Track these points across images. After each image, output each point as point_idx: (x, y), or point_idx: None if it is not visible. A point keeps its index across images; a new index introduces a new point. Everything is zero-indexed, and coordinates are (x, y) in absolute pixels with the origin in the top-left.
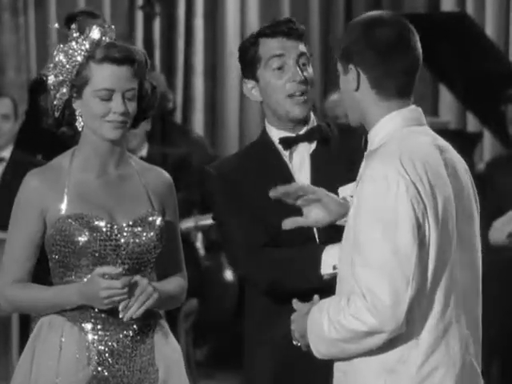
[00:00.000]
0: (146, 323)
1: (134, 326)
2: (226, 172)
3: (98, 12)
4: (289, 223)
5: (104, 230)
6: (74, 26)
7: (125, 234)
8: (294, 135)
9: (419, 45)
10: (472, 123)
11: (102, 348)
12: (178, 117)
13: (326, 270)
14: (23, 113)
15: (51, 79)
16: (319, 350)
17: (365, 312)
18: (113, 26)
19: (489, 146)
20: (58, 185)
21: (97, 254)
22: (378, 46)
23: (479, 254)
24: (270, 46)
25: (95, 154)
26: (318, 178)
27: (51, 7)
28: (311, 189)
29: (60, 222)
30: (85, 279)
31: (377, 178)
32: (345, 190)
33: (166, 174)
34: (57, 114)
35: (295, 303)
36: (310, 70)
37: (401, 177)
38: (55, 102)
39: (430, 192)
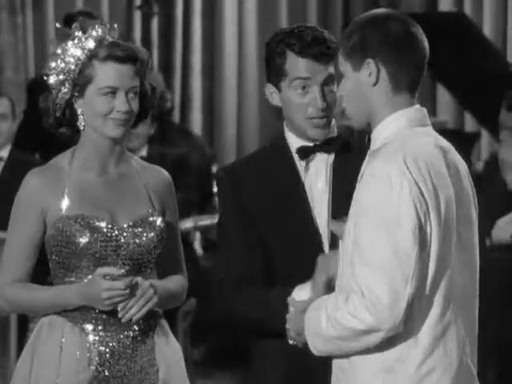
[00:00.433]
0: (147, 323)
1: (135, 327)
2: (237, 179)
3: (97, 12)
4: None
5: (105, 230)
6: (75, 24)
7: (125, 234)
8: (311, 145)
9: (425, 40)
10: (470, 123)
11: (103, 349)
12: (176, 116)
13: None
14: (21, 112)
15: (52, 78)
16: (316, 347)
17: (363, 310)
18: (115, 25)
19: (486, 146)
20: (58, 184)
21: (97, 255)
22: (392, 40)
23: (477, 257)
24: (297, 67)
25: (95, 154)
26: (335, 193)
27: (49, 7)
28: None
29: (61, 222)
30: (85, 280)
31: (379, 177)
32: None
33: (166, 173)
34: (58, 114)
35: (291, 300)
36: (335, 89)
37: (404, 176)
38: (57, 102)
39: (432, 192)
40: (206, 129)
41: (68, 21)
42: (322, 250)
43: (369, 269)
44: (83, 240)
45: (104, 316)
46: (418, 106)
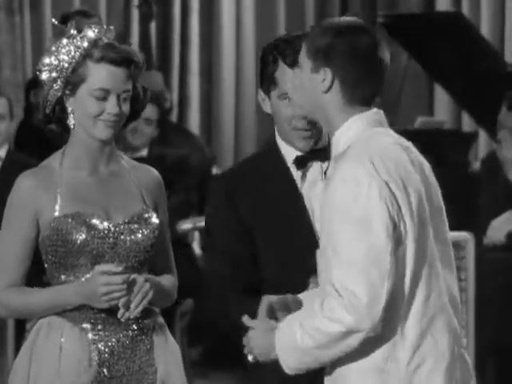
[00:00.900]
0: (145, 323)
1: (134, 326)
2: (232, 190)
3: (94, 12)
4: None
5: (101, 227)
6: (71, 22)
7: (122, 231)
8: (306, 154)
9: (388, 57)
10: (467, 123)
11: (103, 348)
12: (174, 116)
13: None
14: (22, 111)
15: (45, 75)
16: (289, 365)
17: (340, 310)
18: (112, 27)
19: (484, 146)
20: (50, 185)
21: (95, 252)
22: (358, 52)
23: (451, 247)
24: (286, 76)
25: (86, 153)
26: None
27: (47, 7)
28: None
29: (56, 221)
30: (83, 279)
31: (347, 179)
32: None
33: (156, 172)
34: (48, 110)
35: (246, 320)
36: None
37: (372, 177)
38: (47, 98)
39: (403, 190)
40: (204, 128)
41: (65, 20)
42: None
43: (345, 269)
44: (80, 237)
45: (103, 315)
46: (375, 109)
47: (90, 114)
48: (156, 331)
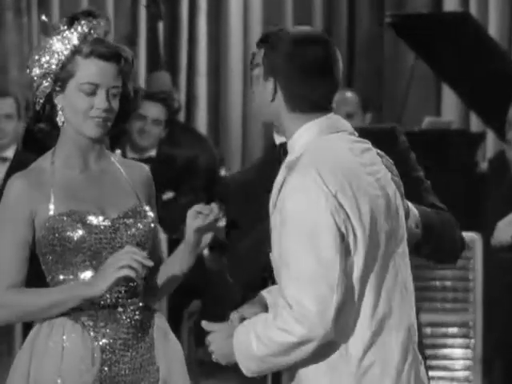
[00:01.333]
0: (145, 320)
1: (135, 323)
2: (249, 191)
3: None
4: None
5: (97, 223)
6: (62, 19)
7: (118, 226)
8: None
9: (340, 67)
10: (475, 123)
11: (105, 346)
12: (182, 116)
13: None
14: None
15: (35, 71)
16: (250, 369)
17: (292, 322)
18: (102, 23)
19: (492, 146)
20: (43, 185)
21: (92, 248)
22: (304, 66)
23: (407, 247)
24: None
25: (76, 150)
26: None
27: (54, 7)
28: None
29: (51, 221)
30: (82, 276)
31: (297, 191)
32: None
33: (147, 168)
34: (38, 107)
35: (206, 325)
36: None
37: (319, 188)
38: (36, 94)
39: (353, 200)
40: (212, 128)
41: (72, 20)
42: None
43: (294, 281)
44: (76, 235)
45: (105, 312)
46: (329, 114)
47: (78, 109)
48: (156, 329)
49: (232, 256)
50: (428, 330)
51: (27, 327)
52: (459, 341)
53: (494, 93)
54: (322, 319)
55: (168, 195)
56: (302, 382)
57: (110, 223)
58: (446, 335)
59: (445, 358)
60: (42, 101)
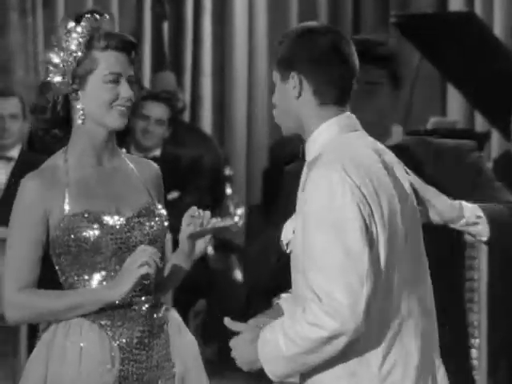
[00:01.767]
0: (160, 316)
1: (148, 320)
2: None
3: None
4: None
5: (112, 223)
6: (69, 18)
7: (132, 225)
8: None
9: (355, 54)
10: (480, 123)
11: (123, 346)
12: (187, 116)
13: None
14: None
15: (53, 76)
16: (275, 373)
17: (323, 316)
18: (107, 16)
19: (497, 146)
20: (57, 185)
21: (109, 248)
22: (317, 55)
23: (423, 248)
24: None
25: (91, 148)
26: None
27: (59, 8)
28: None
29: (66, 221)
30: (97, 275)
31: (321, 185)
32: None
33: (156, 166)
34: (59, 108)
35: (229, 323)
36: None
37: (345, 182)
38: (57, 96)
39: (374, 195)
40: (217, 128)
41: (78, 20)
42: None
43: (323, 274)
44: (93, 235)
45: (121, 311)
46: (347, 113)
47: (104, 101)
48: (170, 325)
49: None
50: None
51: (32, 330)
52: None
53: (499, 92)
54: (354, 312)
55: (173, 195)
56: None
57: (124, 222)
58: None
59: None
60: (61, 102)
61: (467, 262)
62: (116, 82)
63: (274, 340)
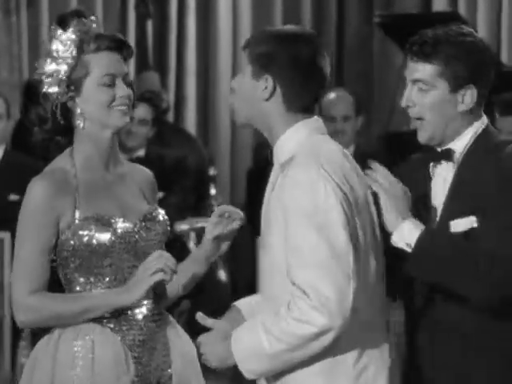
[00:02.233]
0: (159, 322)
1: (150, 324)
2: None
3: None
4: None
5: (122, 227)
6: (55, 24)
7: (139, 230)
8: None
9: (328, 65)
10: None
11: (133, 347)
12: (171, 116)
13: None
14: (18, 111)
15: (49, 87)
16: (256, 371)
17: (311, 311)
18: (93, 17)
19: None
20: (67, 188)
21: (118, 252)
22: (297, 64)
23: (381, 243)
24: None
25: (97, 152)
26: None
27: (43, 7)
28: None
29: (76, 225)
30: (107, 279)
31: (302, 183)
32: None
33: (150, 172)
34: (58, 117)
35: (200, 318)
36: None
37: (326, 180)
38: (55, 105)
39: (351, 193)
40: (201, 128)
41: (61, 22)
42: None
43: (309, 269)
44: (105, 239)
45: (126, 315)
46: (315, 117)
47: (102, 103)
48: (169, 329)
49: None
50: None
51: (16, 330)
52: None
53: None
54: (341, 307)
55: (158, 195)
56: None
57: (133, 227)
58: None
59: None
60: (60, 110)
61: None
62: (112, 82)
63: (255, 339)
